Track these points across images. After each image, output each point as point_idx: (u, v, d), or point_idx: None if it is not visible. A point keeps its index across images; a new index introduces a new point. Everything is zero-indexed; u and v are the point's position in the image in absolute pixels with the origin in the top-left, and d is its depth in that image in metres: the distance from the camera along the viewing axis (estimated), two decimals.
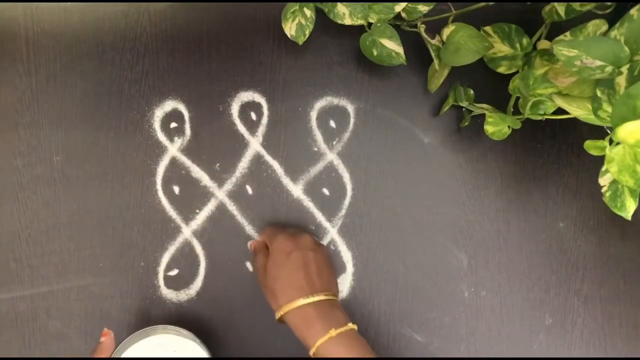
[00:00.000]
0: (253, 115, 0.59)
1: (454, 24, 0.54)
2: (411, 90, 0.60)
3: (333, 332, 0.47)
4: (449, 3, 0.56)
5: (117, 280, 0.58)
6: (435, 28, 0.55)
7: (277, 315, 0.50)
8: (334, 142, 0.60)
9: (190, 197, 0.59)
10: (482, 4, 0.55)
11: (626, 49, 0.42)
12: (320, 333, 0.47)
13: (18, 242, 0.58)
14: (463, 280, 0.60)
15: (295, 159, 0.59)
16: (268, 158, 0.59)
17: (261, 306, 0.55)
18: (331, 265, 0.54)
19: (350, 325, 0.48)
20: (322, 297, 0.49)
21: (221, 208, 0.59)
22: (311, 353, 0.47)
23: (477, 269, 0.60)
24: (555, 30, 0.53)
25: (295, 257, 0.51)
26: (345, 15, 0.54)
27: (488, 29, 0.55)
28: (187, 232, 0.59)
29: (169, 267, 0.58)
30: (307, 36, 0.55)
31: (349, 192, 0.60)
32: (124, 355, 0.51)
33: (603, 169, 0.50)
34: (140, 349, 0.52)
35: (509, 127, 0.54)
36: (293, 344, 0.50)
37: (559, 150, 0.60)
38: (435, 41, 0.55)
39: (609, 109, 0.44)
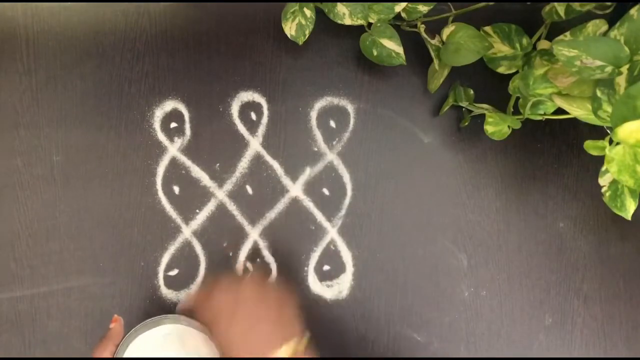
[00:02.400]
0: (253, 115, 0.59)
1: (454, 24, 0.54)
2: (411, 90, 0.60)
3: None
4: (449, 3, 0.56)
5: (117, 280, 0.58)
6: (435, 28, 0.55)
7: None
8: (334, 142, 0.60)
9: (190, 197, 0.59)
10: (482, 4, 0.55)
11: (626, 49, 0.42)
12: None
13: (18, 242, 0.58)
14: (463, 280, 0.60)
15: (295, 159, 0.59)
16: (268, 158, 0.59)
17: None
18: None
19: None
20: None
21: (221, 208, 0.59)
22: None
23: (477, 269, 0.60)
24: (555, 30, 0.53)
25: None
26: (345, 15, 0.54)
27: (488, 29, 0.55)
28: (187, 232, 0.59)
29: (169, 267, 0.58)
30: (307, 36, 0.55)
31: (349, 192, 0.60)
32: (132, 344, 0.51)
33: (603, 169, 0.50)
34: (148, 338, 0.51)
35: (509, 127, 0.54)
36: None
37: (559, 150, 0.60)
38: (435, 41, 0.55)
39: (609, 109, 0.44)
